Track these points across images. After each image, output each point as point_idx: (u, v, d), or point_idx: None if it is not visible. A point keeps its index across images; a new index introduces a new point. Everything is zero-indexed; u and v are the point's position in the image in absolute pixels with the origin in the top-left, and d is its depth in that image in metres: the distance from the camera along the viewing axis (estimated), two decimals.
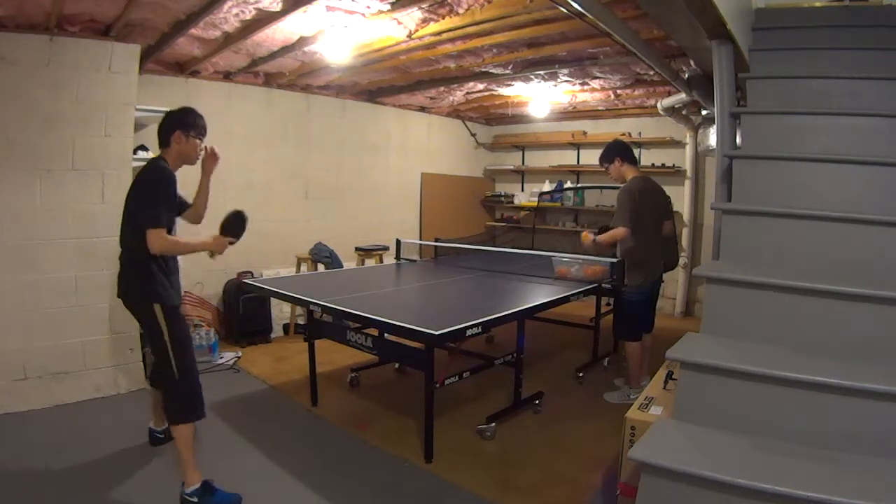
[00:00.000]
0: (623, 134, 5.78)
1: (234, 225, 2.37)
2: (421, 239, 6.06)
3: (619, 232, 3.08)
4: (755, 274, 1.78)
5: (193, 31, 3.19)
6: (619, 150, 3.27)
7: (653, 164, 5.72)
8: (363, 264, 5.06)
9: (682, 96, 4.25)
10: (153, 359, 2.29)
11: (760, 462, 1.45)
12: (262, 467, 2.49)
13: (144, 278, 2.16)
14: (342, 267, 4.74)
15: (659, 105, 4.87)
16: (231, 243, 2.36)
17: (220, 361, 3.89)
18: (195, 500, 2.09)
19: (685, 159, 5.60)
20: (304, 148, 5.15)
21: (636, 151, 5.21)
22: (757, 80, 2.37)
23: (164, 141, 2.30)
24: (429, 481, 2.40)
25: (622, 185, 3.20)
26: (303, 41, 3.42)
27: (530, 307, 2.85)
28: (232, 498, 2.16)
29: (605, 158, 3.30)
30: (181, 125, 2.28)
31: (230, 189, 4.55)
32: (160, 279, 2.18)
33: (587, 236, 3.30)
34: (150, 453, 2.57)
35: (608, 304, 4.38)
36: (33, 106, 2.97)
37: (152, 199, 2.12)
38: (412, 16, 3.02)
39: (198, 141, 2.33)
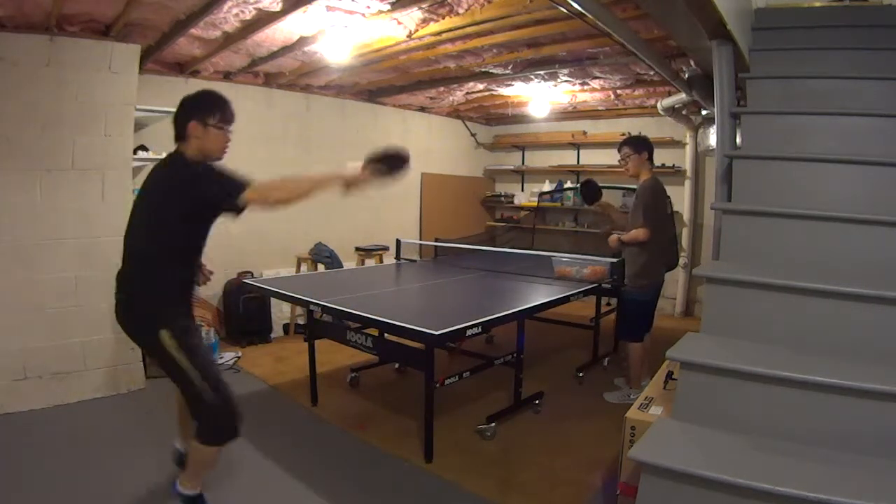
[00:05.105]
0: (623, 134, 5.77)
1: (391, 159, 1.95)
2: (421, 239, 6.06)
3: (640, 233, 3.05)
4: (755, 274, 1.78)
5: (193, 31, 3.19)
6: (648, 146, 3.23)
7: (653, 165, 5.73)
8: (363, 264, 5.05)
9: (682, 96, 4.25)
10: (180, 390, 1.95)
11: (760, 462, 1.45)
12: (262, 467, 2.48)
13: (149, 297, 1.88)
14: (342, 267, 4.74)
15: (659, 105, 4.87)
16: (385, 172, 1.91)
17: (220, 361, 3.89)
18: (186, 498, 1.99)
19: (685, 159, 5.60)
20: (304, 148, 5.14)
21: None
22: (757, 80, 2.37)
23: (179, 134, 1.92)
24: (429, 481, 2.40)
25: (642, 184, 3.16)
26: (303, 41, 3.42)
27: (530, 307, 2.85)
28: None
29: (634, 147, 3.20)
30: (196, 113, 1.90)
31: None
32: (169, 294, 1.90)
33: (615, 239, 3.23)
34: (150, 454, 2.57)
35: (608, 304, 4.38)
36: (33, 106, 2.97)
37: (218, 179, 1.81)
38: (412, 16, 3.02)
39: (220, 131, 1.94)
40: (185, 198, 1.83)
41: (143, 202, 1.96)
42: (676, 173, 5.61)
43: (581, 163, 6.48)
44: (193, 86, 4.23)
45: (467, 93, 5.30)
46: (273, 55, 3.79)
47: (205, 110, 1.90)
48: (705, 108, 4.67)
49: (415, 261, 4.76)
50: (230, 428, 1.93)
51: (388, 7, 2.84)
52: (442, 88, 5.03)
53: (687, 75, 3.78)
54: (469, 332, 2.37)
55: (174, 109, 1.92)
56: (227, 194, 1.79)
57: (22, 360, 2.99)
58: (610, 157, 5.84)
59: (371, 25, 3.11)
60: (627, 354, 3.32)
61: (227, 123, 1.96)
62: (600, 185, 3.63)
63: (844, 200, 1.92)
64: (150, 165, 3.76)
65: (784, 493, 1.30)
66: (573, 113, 6.19)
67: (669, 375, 2.34)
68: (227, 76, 4.43)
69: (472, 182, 7.10)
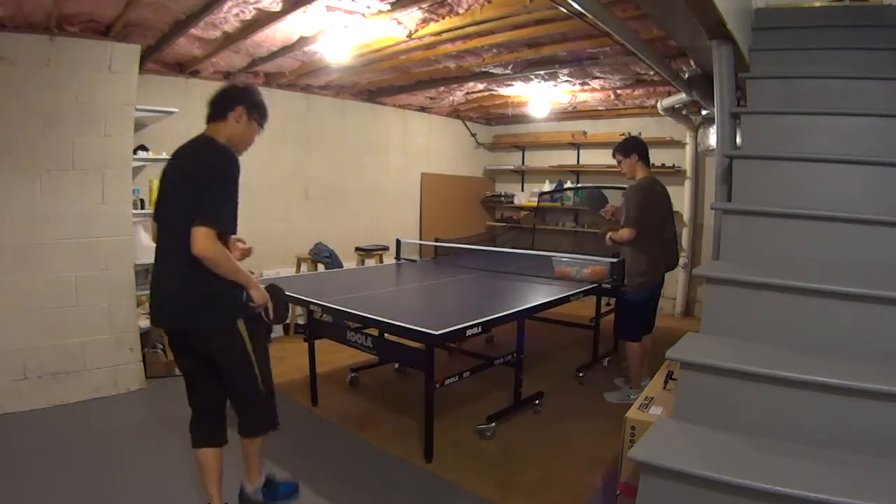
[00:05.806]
0: (623, 134, 5.77)
1: (277, 295, 2.01)
2: (421, 239, 6.06)
3: (624, 232, 3.09)
4: (755, 274, 1.78)
5: (193, 31, 3.19)
6: (637, 147, 3.24)
7: (653, 164, 5.71)
8: (363, 264, 5.06)
9: (682, 96, 4.25)
10: (230, 380, 1.90)
11: (760, 462, 1.45)
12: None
13: (216, 287, 1.75)
14: (342, 267, 4.74)
15: (659, 105, 4.87)
16: (274, 306, 1.94)
17: None
18: (261, 498, 2.10)
19: (685, 159, 5.60)
20: (304, 148, 5.15)
21: None
22: (757, 80, 2.37)
23: (220, 113, 1.90)
24: (429, 481, 2.40)
25: (631, 184, 3.19)
26: (303, 41, 3.42)
27: (530, 307, 2.86)
28: (292, 486, 2.25)
29: (623, 152, 3.24)
30: (248, 102, 1.92)
31: None
32: (231, 283, 1.78)
33: (609, 238, 3.28)
34: (150, 453, 2.57)
35: (608, 304, 4.38)
36: (33, 106, 2.97)
37: (222, 192, 1.76)
38: (412, 16, 3.02)
39: (258, 129, 1.99)
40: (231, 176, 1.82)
41: (180, 189, 1.80)
42: (676, 173, 5.61)
43: (581, 163, 6.48)
44: (194, 86, 4.25)
45: (467, 93, 5.30)
46: (273, 55, 3.79)
47: (256, 104, 1.95)
48: (705, 108, 4.67)
49: (415, 261, 4.76)
50: (273, 418, 2.00)
51: (388, 7, 2.84)
52: (442, 88, 5.03)
53: (687, 75, 3.78)
54: (469, 332, 2.37)
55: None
56: (205, 205, 1.69)
57: (22, 360, 2.99)
58: (610, 158, 5.81)
59: (371, 25, 3.11)
60: (627, 355, 3.32)
61: (264, 125, 2.02)
62: (601, 186, 3.65)
63: (844, 200, 1.91)
64: (150, 165, 3.79)
65: (784, 493, 1.30)
66: (573, 113, 6.19)
67: (669, 375, 2.34)
68: (227, 76, 4.42)
69: (472, 182, 7.10)
